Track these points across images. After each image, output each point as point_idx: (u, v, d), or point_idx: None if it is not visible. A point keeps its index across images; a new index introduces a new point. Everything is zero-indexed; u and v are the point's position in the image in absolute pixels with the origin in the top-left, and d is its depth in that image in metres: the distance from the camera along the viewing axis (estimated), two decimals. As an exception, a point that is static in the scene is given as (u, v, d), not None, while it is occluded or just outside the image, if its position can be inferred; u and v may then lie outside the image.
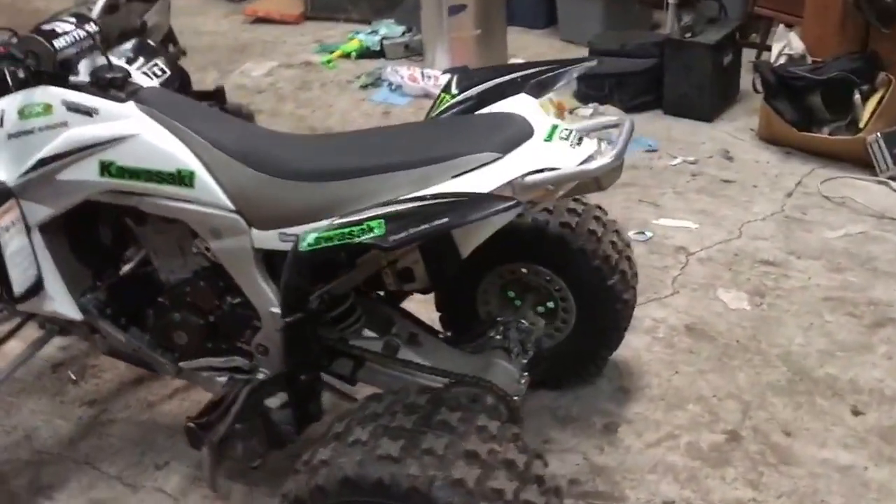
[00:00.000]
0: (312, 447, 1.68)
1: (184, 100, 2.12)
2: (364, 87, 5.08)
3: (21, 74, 2.02)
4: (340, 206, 1.83)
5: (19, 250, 2.03)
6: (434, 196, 1.61)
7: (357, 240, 1.53)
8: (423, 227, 1.51)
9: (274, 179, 1.89)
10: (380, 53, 5.55)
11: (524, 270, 2.40)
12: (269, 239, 1.92)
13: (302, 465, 1.66)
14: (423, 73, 4.94)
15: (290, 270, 1.76)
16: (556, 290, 2.39)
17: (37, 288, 2.10)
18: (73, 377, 2.72)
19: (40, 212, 2.08)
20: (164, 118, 1.97)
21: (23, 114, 2.01)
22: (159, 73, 2.39)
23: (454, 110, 2.12)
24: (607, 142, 1.86)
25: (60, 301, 2.17)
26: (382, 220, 1.53)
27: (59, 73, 2.01)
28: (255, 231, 1.93)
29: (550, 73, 2.14)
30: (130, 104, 1.98)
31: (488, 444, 1.60)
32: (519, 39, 5.46)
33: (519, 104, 2.03)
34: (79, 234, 2.21)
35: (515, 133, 1.83)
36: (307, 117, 4.74)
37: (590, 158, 1.78)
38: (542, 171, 1.74)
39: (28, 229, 2.08)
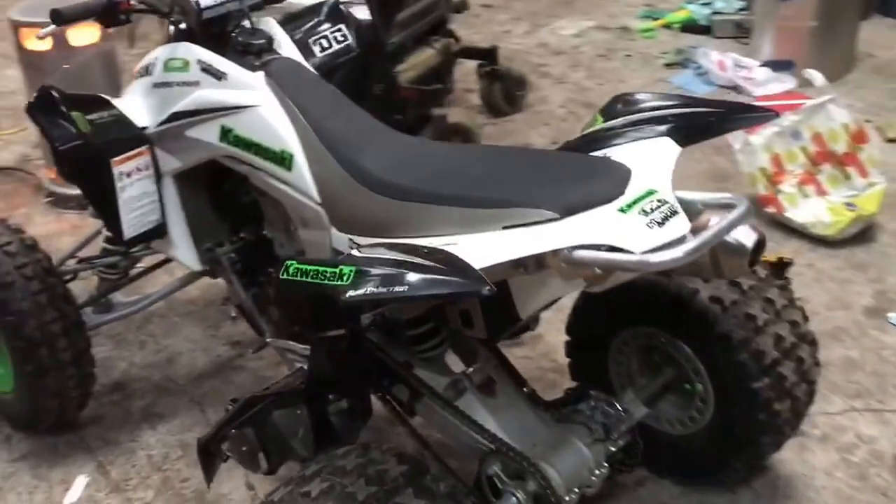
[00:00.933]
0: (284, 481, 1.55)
1: (313, 78, 2.01)
2: (669, 65, 4.65)
3: (182, 27, 2.06)
4: (404, 228, 1.64)
5: (140, 195, 2.10)
6: (425, 253, 1.35)
7: (324, 283, 1.34)
8: (381, 290, 1.27)
9: (352, 182, 1.74)
10: (706, 29, 5.03)
11: (662, 340, 2.01)
12: (341, 242, 1.79)
13: (266, 498, 1.55)
14: (734, 62, 4.38)
15: (274, 297, 1.61)
16: (694, 373, 1.98)
17: (156, 233, 2.17)
18: (233, 314, 2.82)
19: (171, 162, 2.14)
20: (282, 94, 1.90)
21: (166, 66, 2.06)
22: (335, 41, 2.31)
23: (594, 140, 1.80)
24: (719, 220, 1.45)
25: (182, 249, 2.23)
26: (353, 269, 1.31)
27: (202, 31, 2.02)
28: (333, 230, 1.81)
29: (714, 118, 1.72)
30: (259, 74, 1.94)
31: None
32: (885, 36, 4.62)
33: (654, 151, 1.66)
34: (221, 189, 2.25)
35: (596, 192, 1.49)
36: (590, 91, 4.46)
37: (666, 246, 1.40)
38: (598, 247, 1.40)
39: (159, 176, 2.15)
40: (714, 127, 1.71)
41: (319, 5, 2.38)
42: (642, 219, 1.44)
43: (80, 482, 2.29)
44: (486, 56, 4.30)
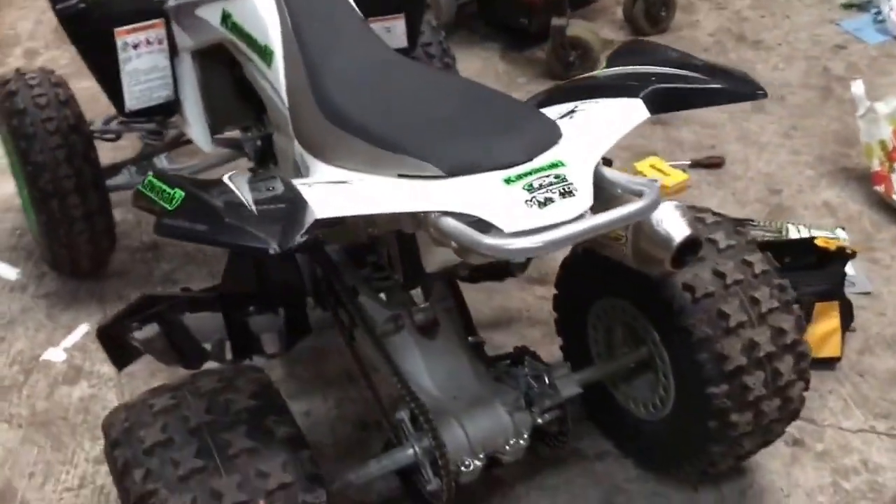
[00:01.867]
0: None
1: None
2: (846, 6, 4.11)
3: None
4: (329, 154, 1.57)
5: (149, 69, 2.11)
6: (267, 197, 1.24)
7: (155, 202, 1.28)
8: (186, 226, 1.20)
9: (308, 92, 1.66)
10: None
11: (634, 318, 1.84)
12: (298, 155, 1.73)
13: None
14: (922, 12, 3.80)
15: None
16: (660, 360, 1.80)
17: (163, 110, 2.19)
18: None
19: (186, 40, 2.13)
20: None
21: (188, -60, 2.03)
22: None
23: (576, 88, 1.62)
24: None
25: (196, 128, 2.24)
26: (182, 197, 1.24)
27: None
28: (295, 142, 1.75)
29: (695, 90, 1.50)
30: None
31: None
32: None
33: (613, 113, 1.47)
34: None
35: (495, 154, 1.34)
36: (748, 22, 4.04)
37: (533, 232, 1.23)
38: (468, 218, 1.26)
39: (174, 52, 2.15)
40: (692, 99, 1.55)
41: None
42: (523, 195, 1.28)
43: (81, 330, 2.44)
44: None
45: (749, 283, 1.71)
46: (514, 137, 1.38)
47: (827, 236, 2.71)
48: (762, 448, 1.87)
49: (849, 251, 2.36)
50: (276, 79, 1.80)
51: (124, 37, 2.04)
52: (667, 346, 1.77)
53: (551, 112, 1.51)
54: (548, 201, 1.27)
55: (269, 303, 1.78)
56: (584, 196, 1.29)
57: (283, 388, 2.23)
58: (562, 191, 1.28)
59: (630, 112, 1.47)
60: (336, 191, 1.33)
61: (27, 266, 2.70)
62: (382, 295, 1.76)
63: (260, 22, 1.83)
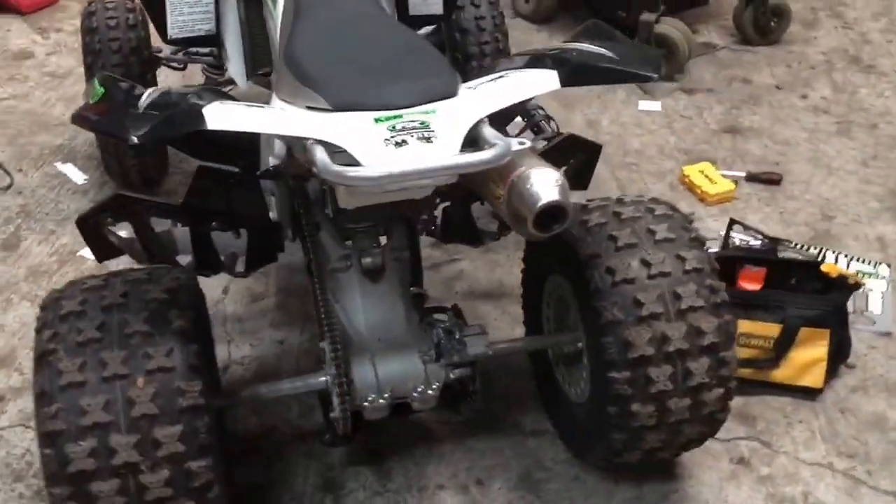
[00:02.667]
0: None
1: None
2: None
3: None
4: (277, 88, 1.73)
5: (193, 2, 2.33)
6: (165, 102, 1.41)
7: (89, 97, 1.46)
8: (89, 116, 1.37)
9: (284, 38, 1.81)
10: None
11: (569, 297, 1.90)
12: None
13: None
14: None
15: None
16: (582, 341, 1.86)
17: (203, 42, 2.41)
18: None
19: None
20: None
21: None
22: None
23: (521, 58, 1.71)
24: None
25: (234, 64, 2.44)
26: (102, 93, 1.41)
27: None
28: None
29: (604, 66, 1.57)
30: None
31: None
32: None
33: (529, 79, 1.56)
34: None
35: (382, 95, 1.46)
36: (871, 46, 3.88)
37: (376, 167, 1.35)
38: (335, 149, 1.39)
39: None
40: (591, 77, 1.67)
41: None
42: (385, 134, 1.39)
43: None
44: None
45: (676, 279, 1.73)
46: (406, 85, 1.49)
47: (865, 270, 2.63)
48: (677, 451, 1.89)
49: (852, 281, 2.28)
50: (275, 24, 1.97)
51: (170, -32, 2.27)
52: (584, 327, 1.82)
53: (485, 77, 1.61)
54: (403, 143, 1.38)
55: (231, 222, 1.95)
56: (443, 144, 1.39)
57: (270, 315, 2.48)
58: (420, 136, 1.39)
59: (540, 81, 1.57)
60: (241, 110, 1.48)
61: (94, 174, 3.01)
62: (335, 234, 1.91)
63: None
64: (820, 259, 2.56)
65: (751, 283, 2.32)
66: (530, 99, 1.66)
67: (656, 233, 1.78)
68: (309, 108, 1.50)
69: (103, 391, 1.53)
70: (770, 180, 3.03)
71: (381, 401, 1.79)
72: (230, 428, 2.03)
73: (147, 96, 1.44)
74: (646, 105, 3.46)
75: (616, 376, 1.71)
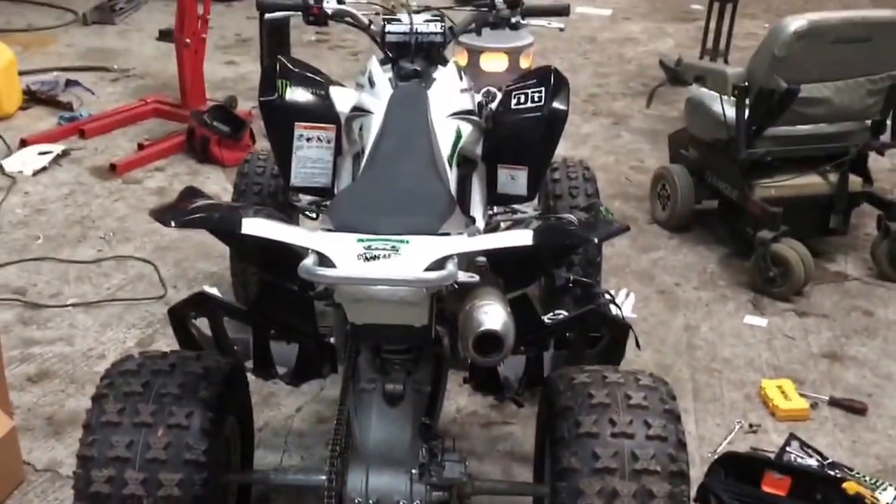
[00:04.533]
0: None
1: (417, 109, 2.52)
2: None
3: None
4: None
5: (315, 159, 2.87)
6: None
7: None
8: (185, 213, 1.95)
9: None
10: None
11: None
12: None
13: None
14: None
15: None
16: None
17: (320, 192, 2.94)
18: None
19: (347, 145, 2.88)
20: (387, 110, 2.51)
21: (362, 70, 2.81)
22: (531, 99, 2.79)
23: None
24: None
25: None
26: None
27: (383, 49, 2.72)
28: None
29: (562, 229, 2.03)
30: (391, 90, 2.58)
31: None
32: None
33: (508, 235, 1.95)
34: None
35: (375, 225, 1.87)
36: None
37: (339, 270, 1.76)
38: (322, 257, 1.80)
39: (339, 152, 2.91)
40: (556, 236, 2.02)
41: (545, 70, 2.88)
42: (361, 250, 1.79)
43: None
44: (889, 210, 4.04)
45: (638, 442, 1.95)
46: (396, 219, 1.89)
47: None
48: None
49: (869, 502, 2.34)
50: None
51: (301, 129, 2.84)
52: (549, 476, 2.06)
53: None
54: (373, 258, 1.77)
55: (285, 334, 2.39)
56: (404, 264, 1.76)
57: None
58: (387, 255, 1.78)
59: (517, 237, 1.90)
60: (270, 224, 1.93)
61: (231, 298, 3.59)
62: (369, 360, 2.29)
63: (369, 133, 2.51)
64: (840, 477, 2.60)
65: (774, 489, 2.43)
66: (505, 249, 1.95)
67: (631, 398, 2.01)
68: (324, 228, 1.94)
69: (130, 433, 1.97)
70: (853, 408, 3.10)
71: None
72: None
73: (204, 201, 1.96)
74: (752, 320, 3.64)
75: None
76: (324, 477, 2.12)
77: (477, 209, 2.88)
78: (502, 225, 2.98)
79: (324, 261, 1.81)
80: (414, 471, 2.14)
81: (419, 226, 1.89)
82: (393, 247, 1.81)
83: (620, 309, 3.00)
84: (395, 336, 2.13)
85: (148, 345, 3.34)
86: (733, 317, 3.67)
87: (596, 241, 1.94)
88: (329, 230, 1.89)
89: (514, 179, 2.85)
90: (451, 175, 2.52)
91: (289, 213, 3.24)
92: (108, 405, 2.01)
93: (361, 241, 1.82)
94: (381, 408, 2.27)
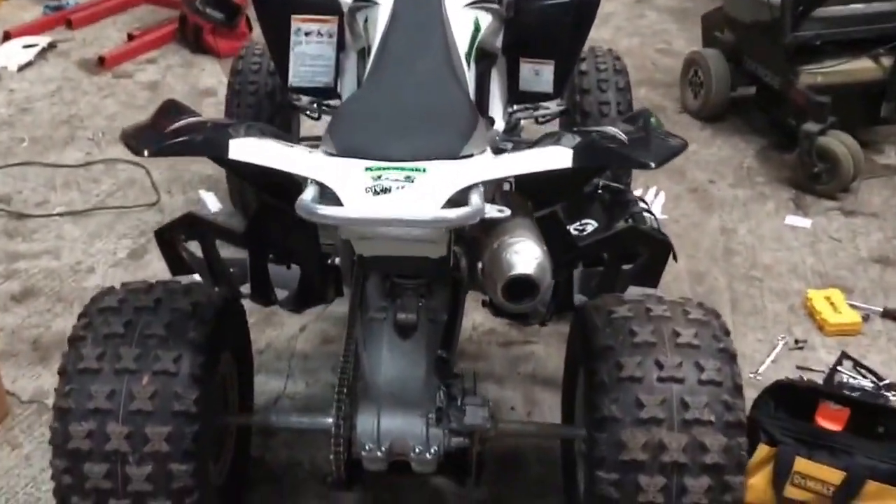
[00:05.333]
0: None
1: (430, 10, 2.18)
2: None
3: None
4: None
5: (315, 56, 2.55)
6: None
7: None
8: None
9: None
10: None
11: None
12: None
13: None
14: None
15: None
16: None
17: (321, 93, 2.62)
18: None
19: (350, 40, 2.54)
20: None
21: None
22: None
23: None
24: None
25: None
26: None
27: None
28: None
29: (609, 147, 1.69)
30: None
31: None
32: None
33: (544, 154, 1.65)
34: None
35: (385, 147, 1.58)
36: None
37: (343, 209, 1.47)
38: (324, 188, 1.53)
39: (342, 48, 2.58)
40: (603, 157, 1.71)
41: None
42: (369, 182, 1.50)
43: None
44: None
45: (688, 387, 1.69)
46: (410, 141, 1.60)
47: None
48: None
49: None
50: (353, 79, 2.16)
51: (299, 23, 2.50)
52: (585, 422, 1.82)
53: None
54: (383, 191, 1.48)
55: (285, 258, 2.12)
56: (420, 199, 1.48)
57: (334, 360, 2.60)
58: (400, 187, 1.49)
59: (553, 157, 1.61)
60: (263, 146, 1.64)
61: (228, 205, 3.28)
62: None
63: (374, 28, 2.18)
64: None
65: (830, 422, 2.19)
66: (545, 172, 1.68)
67: (680, 335, 1.75)
68: (325, 152, 1.64)
69: (112, 382, 1.72)
70: (908, 320, 2.85)
71: (378, 453, 1.87)
72: (256, 454, 2.18)
73: (186, 119, 1.65)
74: (794, 220, 3.35)
75: (604, 476, 1.69)
76: (330, 420, 1.90)
77: (496, 108, 2.57)
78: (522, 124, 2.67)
79: (326, 193, 1.53)
80: (431, 415, 1.90)
81: (437, 148, 1.59)
82: (407, 177, 1.52)
83: (657, 220, 2.72)
84: (409, 267, 1.87)
85: (140, 256, 3.09)
86: (773, 217, 3.37)
87: (653, 165, 1.62)
88: (331, 154, 1.60)
89: (538, 75, 2.54)
90: (470, 75, 2.20)
91: (288, 115, 2.94)
92: (85, 349, 1.76)
93: (370, 169, 1.53)
94: (393, 340, 2.01)
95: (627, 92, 2.89)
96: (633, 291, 2.07)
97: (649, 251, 2.12)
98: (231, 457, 2.07)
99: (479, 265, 1.64)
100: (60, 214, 3.31)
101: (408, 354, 2.00)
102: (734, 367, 1.75)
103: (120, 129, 3.86)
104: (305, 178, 1.57)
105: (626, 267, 2.16)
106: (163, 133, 1.64)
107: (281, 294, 2.19)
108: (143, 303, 1.83)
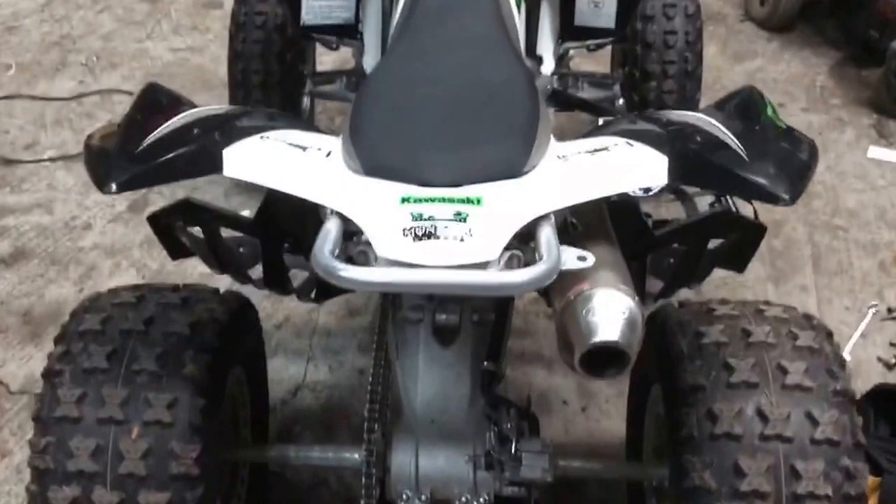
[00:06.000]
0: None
1: None
2: None
3: None
4: None
5: (332, -13, 2.15)
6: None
7: None
8: None
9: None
10: None
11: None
12: None
13: None
14: None
15: None
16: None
17: (339, 31, 2.23)
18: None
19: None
20: None
21: None
22: None
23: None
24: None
25: (370, 58, 2.25)
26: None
27: None
28: None
29: (723, 169, 1.29)
30: None
31: None
32: None
33: (632, 166, 1.28)
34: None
35: (427, 164, 1.21)
36: None
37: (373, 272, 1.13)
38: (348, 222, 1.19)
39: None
40: (713, 181, 1.34)
41: None
42: (406, 220, 1.14)
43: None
44: None
45: (800, 448, 1.36)
46: (462, 152, 1.23)
47: None
48: None
49: None
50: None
51: (309, -54, 2.10)
52: (670, 472, 1.50)
53: (586, 143, 1.32)
54: (426, 237, 1.12)
55: (301, 247, 1.78)
56: (476, 246, 1.12)
57: (360, 337, 2.32)
58: (448, 233, 1.12)
59: (644, 171, 1.26)
60: (265, 158, 1.28)
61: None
62: None
63: None
64: None
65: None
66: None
67: (787, 373, 1.41)
68: (347, 163, 1.27)
69: (96, 434, 1.41)
70: None
71: (418, 501, 1.58)
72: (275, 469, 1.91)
73: (165, 128, 1.28)
74: (877, 153, 2.94)
75: None
76: (358, 456, 1.60)
77: (546, 45, 2.19)
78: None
79: (350, 228, 1.18)
80: (479, 453, 1.59)
81: (495, 163, 1.22)
82: (457, 213, 1.15)
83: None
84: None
85: (141, 208, 2.75)
86: (854, 149, 2.97)
87: (788, 199, 1.24)
88: (356, 172, 1.23)
89: (598, 7, 2.12)
90: (520, 21, 1.80)
91: (301, 49, 2.54)
92: (62, 390, 1.44)
93: (407, 200, 1.17)
94: (431, 347, 1.67)
95: (697, 18, 2.45)
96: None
97: (741, 235, 1.76)
98: (245, 489, 1.78)
99: (553, 310, 1.29)
100: (52, 159, 2.96)
101: (449, 367, 1.66)
102: (853, 416, 1.41)
103: (116, 51, 3.61)
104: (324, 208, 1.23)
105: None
106: (134, 154, 1.27)
107: (298, 281, 1.87)
108: (131, 324, 1.50)
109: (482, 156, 1.22)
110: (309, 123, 1.55)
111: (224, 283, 1.84)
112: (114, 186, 1.24)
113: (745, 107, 1.42)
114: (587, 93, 2.45)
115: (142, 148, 1.27)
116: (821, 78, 3.30)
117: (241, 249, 1.84)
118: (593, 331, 1.20)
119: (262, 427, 1.88)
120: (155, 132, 1.30)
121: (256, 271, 1.83)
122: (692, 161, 1.27)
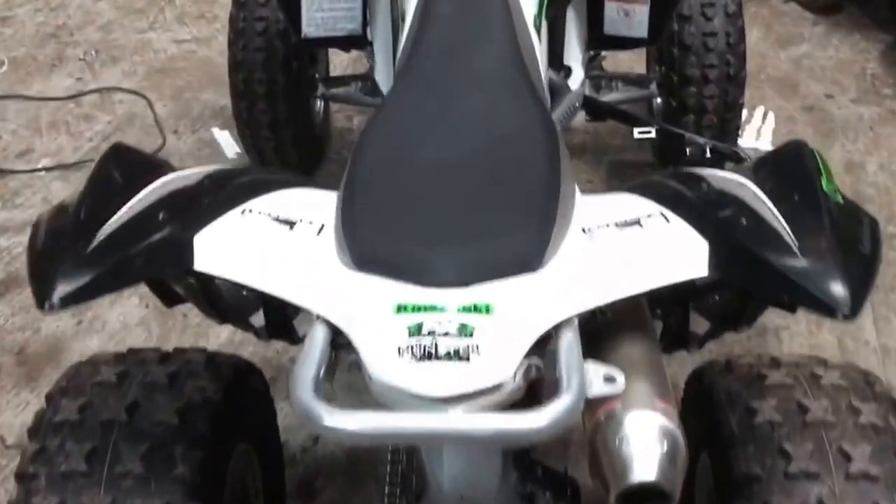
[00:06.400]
0: None
1: None
2: None
3: None
4: None
5: (337, -1, 1.98)
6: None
7: None
8: None
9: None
10: None
11: None
12: None
13: None
14: None
15: None
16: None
17: (345, 42, 2.07)
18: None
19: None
20: None
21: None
22: None
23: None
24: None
25: (381, 70, 2.10)
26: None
27: None
28: None
29: (773, 270, 1.09)
30: None
31: None
32: None
33: (664, 257, 1.11)
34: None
35: (430, 263, 1.02)
36: None
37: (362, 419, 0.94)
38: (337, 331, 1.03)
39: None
40: (758, 282, 1.12)
41: None
42: (402, 336, 0.96)
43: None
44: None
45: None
46: (468, 241, 1.04)
47: None
48: None
49: None
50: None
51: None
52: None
53: (616, 209, 1.16)
54: (426, 357, 0.94)
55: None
56: (484, 366, 0.95)
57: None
58: (454, 350, 0.95)
59: (681, 263, 1.09)
60: (239, 253, 1.12)
61: (248, 147, 2.80)
62: None
63: None
64: None
65: None
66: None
67: (851, 459, 1.25)
68: (339, 252, 1.10)
69: None
70: None
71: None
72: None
73: (126, 212, 1.12)
74: (936, 149, 2.75)
75: None
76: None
77: (574, 55, 2.02)
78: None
79: (337, 341, 1.03)
80: None
81: (508, 256, 1.04)
82: (462, 326, 0.97)
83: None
84: None
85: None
86: (909, 146, 2.77)
87: (849, 313, 1.05)
88: (346, 268, 1.07)
89: (629, 16, 1.94)
90: (541, 39, 1.63)
91: (310, 53, 2.37)
92: (38, 498, 1.29)
93: (402, 309, 1.00)
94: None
95: (739, 17, 2.25)
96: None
97: None
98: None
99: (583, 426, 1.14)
100: (47, 169, 2.81)
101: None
102: None
103: (116, 43, 3.43)
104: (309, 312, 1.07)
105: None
106: (84, 256, 1.10)
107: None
108: (113, 413, 1.34)
109: (493, 247, 1.04)
110: (305, 178, 1.36)
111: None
112: (55, 302, 1.05)
113: (797, 172, 1.23)
114: (622, 93, 2.27)
115: (95, 245, 1.09)
116: (871, 65, 3.08)
117: (244, 293, 1.69)
118: (628, 467, 1.03)
119: (278, 497, 1.74)
120: (113, 218, 1.13)
121: (259, 318, 1.69)
122: (736, 253, 1.08)
